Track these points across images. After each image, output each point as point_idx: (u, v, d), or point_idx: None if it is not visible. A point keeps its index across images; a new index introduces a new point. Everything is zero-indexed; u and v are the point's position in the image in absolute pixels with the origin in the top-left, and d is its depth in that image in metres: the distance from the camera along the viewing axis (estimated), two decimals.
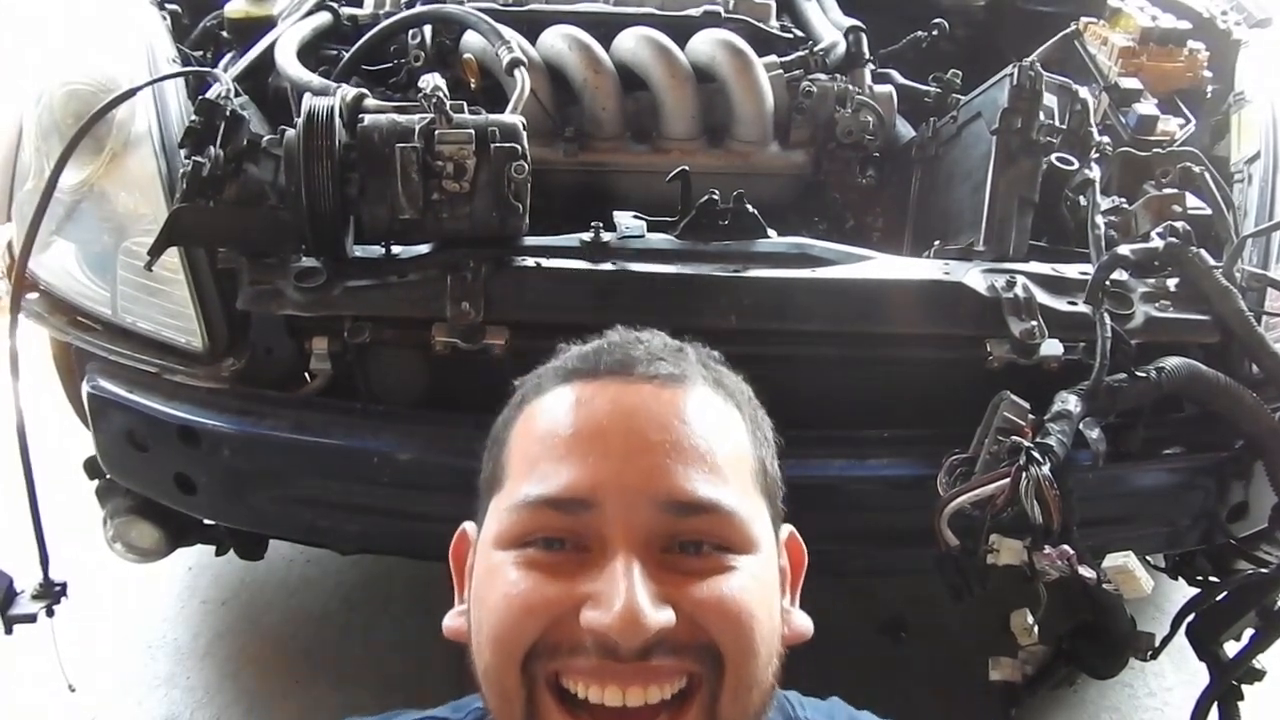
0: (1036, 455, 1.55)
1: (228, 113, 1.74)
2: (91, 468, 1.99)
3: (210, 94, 1.77)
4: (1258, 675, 1.89)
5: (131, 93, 1.82)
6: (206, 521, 2.04)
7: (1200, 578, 2.06)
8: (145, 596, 2.61)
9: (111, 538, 1.99)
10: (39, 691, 2.27)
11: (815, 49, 2.33)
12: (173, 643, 2.52)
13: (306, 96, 1.71)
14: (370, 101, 1.76)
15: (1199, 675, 1.96)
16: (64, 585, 1.89)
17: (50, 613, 1.88)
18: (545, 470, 0.86)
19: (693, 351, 0.99)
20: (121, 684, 2.41)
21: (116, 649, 2.48)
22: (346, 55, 2.22)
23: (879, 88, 2.34)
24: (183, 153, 1.76)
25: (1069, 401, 1.65)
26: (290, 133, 1.66)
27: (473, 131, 1.66)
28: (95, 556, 2.16)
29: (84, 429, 1.99)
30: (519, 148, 1.68)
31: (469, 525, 0.99)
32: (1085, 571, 1.53)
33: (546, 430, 0.90)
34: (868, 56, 2.38)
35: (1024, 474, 1.53)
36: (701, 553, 0.85)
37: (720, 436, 0.89)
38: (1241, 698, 1.88)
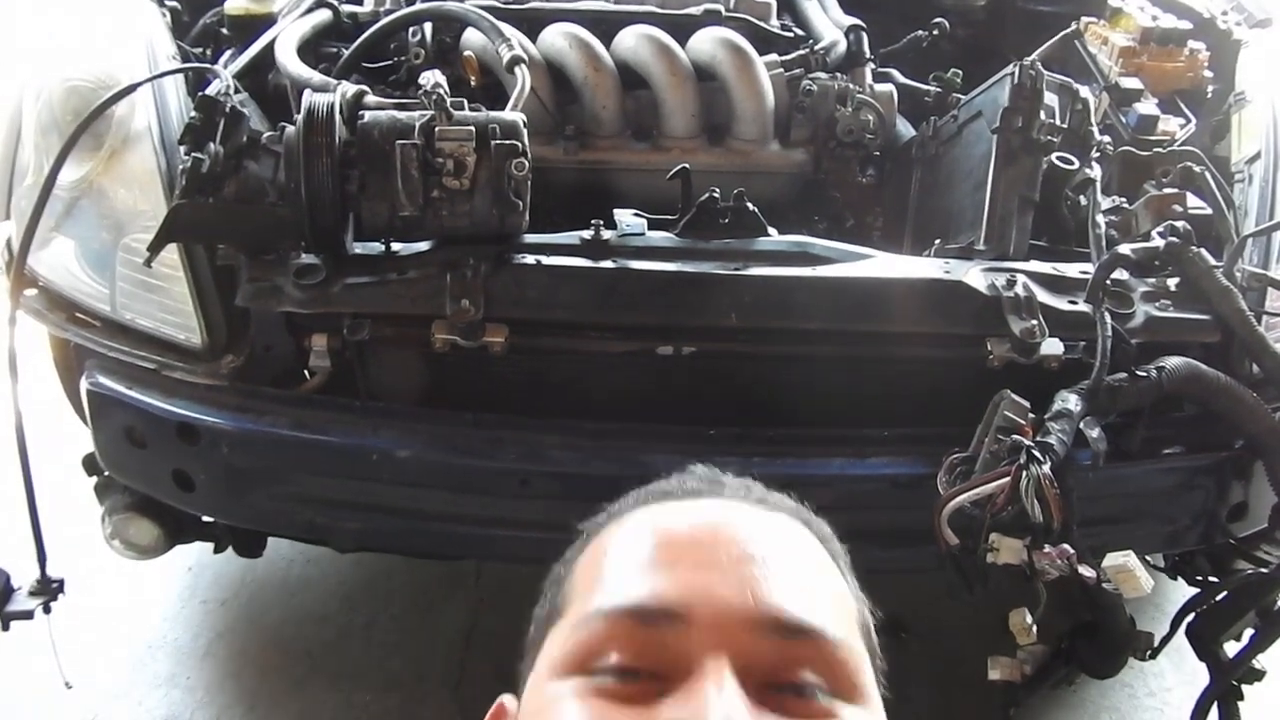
0: (1037, 454, 1.55)
1: (227, 109, 1.73)
2: (90, 465, 1.99)
3: (210, 90, 1.77)
4: (1257, 675, 1.89)
5: (131, 89, 1.82)
6: (205, 519, 2.04)
7: (1199, 578, 2.06)
8: (145, 596, 2.61)
9: (110, 535, 1.98)
10: (38, 691, 2.27)
11: (816, 48, 2.32)
12: (173, 643, 2.51)
13: (307, 93, 1.70)
14: (370, 98, 1.75)
15: (1198, 675, 1.96)
16: (61, 582, 1.89)
17: (47, 609, 1.88)
18: (623, 580, 0.72)
19: (780, 494, 0.86)
20: (121, 684, 2.40)
21: (116, 649, 2.47)
22: (346, 53, 2.21)
23: (880, 87, 2.34)
24: (182, 149, 1.76)
25: (1069, 400, 1.65)
26: (290, 129, 1.66)
27: (473, 128, 1.66)
28: (95, 557, 2.16)
29: (83, 426, 1.99)
30: (519, 145, 1.68)
31: (507, 698, 0.80)
32: (1085, 571, 1.53)
33: (623, 547, 0.76)
34: (868, 55, 2.38)
35: (1024, 472, 1.53)
36: (805, 695, 0.68)
37: (820, 570, 0.77)
38: (1241, 698, 1.88)
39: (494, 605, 2.61)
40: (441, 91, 1.67)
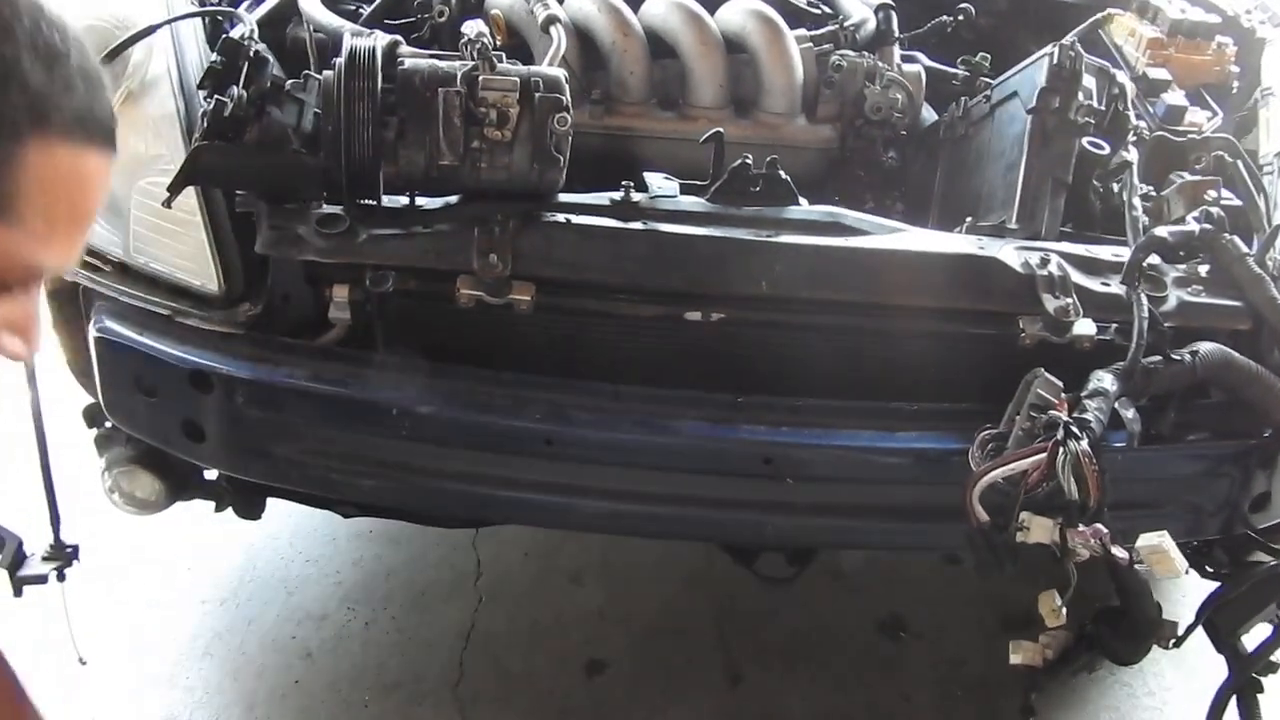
0: (1075, 430, 1.52)
1: (251, 53, 1.69)
2: (91, 415, 1.94)
3: (234, 34, 1.72)
4: (1273, 668, 1.88)
5: (151, 30, 1.77)
6: (207, 475, 1.99)
7: (1212, 570, 2.05)
8: (144, 595, 2.56)
9: (110, 488, 1.93)
10: (37, 691, 2.21)
11: (846, 24, 2.31)
12: (172, 642, 2.47)
13: (346, 36, 1.66)
14: (405, 49, 1.71)
15: (1198, 674, 1.95)
16: (75, 548, 1.86)
17: (61, 576, 1.83)
18: None
19: None
20: (120, 683, 2.35)
21: (116, 649, 2.42)
22: (368, 10, 2.17)
23: (908, 67, 2.33)
24: (202, 94, 1.71)
25: (1105, 380, 1.63)
26: (328, 73, 1.62)
27: (518, 79, 1.62)
28: (96, 558, 2.10)
29: (81, 390, 1.96)
30: (563, 99, 1.64)
31: None
32: (1118, 551, 1.51)
33: None
34: (897, 35, 2.36)
35: (1062, 448, 1.50)
36: None
37: None
38: (1261, 690, 1.87)
39: (493, 605, 2.59)
40: (485, 41, 1.64)
